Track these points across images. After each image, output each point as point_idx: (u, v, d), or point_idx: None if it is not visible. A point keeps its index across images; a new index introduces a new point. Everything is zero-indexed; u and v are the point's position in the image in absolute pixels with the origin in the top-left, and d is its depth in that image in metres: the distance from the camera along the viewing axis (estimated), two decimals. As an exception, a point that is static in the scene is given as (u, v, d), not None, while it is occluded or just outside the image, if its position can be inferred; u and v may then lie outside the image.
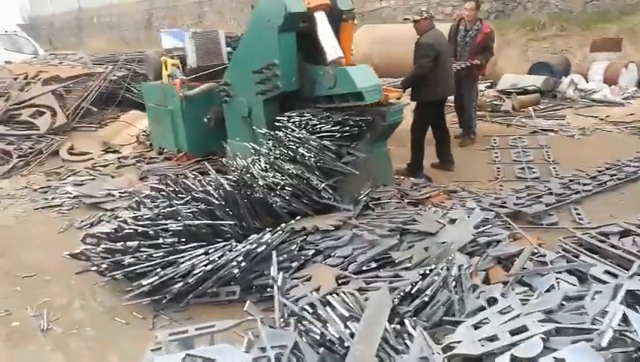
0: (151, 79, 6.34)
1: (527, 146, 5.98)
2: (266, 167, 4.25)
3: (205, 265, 3.16)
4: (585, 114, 7.64)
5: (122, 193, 5.23)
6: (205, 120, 5.71)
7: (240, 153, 5.22)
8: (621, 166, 4.90)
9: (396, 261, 3.14)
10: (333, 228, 3.62)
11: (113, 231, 3.65)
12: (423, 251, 3.21)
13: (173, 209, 3.64)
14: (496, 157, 5.70)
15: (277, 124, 4.58)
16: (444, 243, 3.25)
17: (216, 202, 3.65)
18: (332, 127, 4.31)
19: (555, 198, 4.18)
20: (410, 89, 5.26)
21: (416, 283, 2.70)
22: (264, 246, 3.24)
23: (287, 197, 3.95)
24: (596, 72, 9.49)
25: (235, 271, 3.07)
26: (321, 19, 4.38)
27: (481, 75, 6.75)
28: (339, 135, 4.29)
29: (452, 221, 3.53)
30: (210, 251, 3.29)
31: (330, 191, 4.04)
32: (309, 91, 4.55)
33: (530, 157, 5.58)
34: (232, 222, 3.58)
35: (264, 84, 4.66)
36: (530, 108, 7.68)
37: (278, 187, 3.97)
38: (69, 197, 5.38)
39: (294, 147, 4.17)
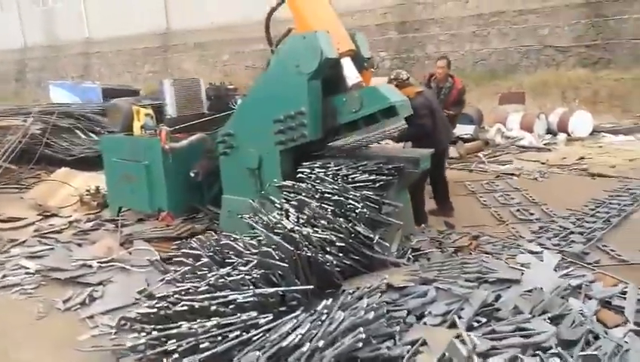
0: (116, 131, 5.59)
1: (504, 190, 6.27)
2: (302, 222, 3.87)
3: (304, 340, 2.68)
4: (525, 158, 8.32)
5: (102, 263, 4.41)
6: (192, 174, 5.13)
7: (237, 210, 4.80)
8: (606, 203, 5.32)
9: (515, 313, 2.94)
10: (410, 285, 3.34)
11: (157, 310, 2.99)
12: (523, 300, 3.07)
13: (229, 278, 3.09)
14: (485, 201, 5.86)
15: (301, 175, 4.25)
16: (533, 289, 3.15)
17: (284, 265, 3.18)
18: (366, 175, 4.09)
19: (583, 237, 4.34)
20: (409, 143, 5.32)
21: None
22: (364, 313, 2.85)
23: (340, 254, 3.60)
24: (513, 121, 10.49)
25: (359, 344, 2.63)
26: (348, 64, 4.26)
27: (453, 127, 7.02)
28: (373, 184, 4.09)
29: (525, 266, 3.47)
30: (299, 324, 2.82)
31: (385, 244, 3.78)
32: (330, 123, 4.29)
33: (516, 200, 5.83)
34: (310, 287, 3.13)
35: (284, 134, 4.33)
36: (481, 155, 8.17)
37: (328, 243, 3.61)
38: (27, 274, 4.40)
39: (336, 199, 3.86)
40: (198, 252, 3.47)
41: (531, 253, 3.75)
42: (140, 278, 4.16)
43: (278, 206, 4.13)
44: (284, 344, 2.65)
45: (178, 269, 3.57)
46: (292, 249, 3.34)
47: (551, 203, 5.60)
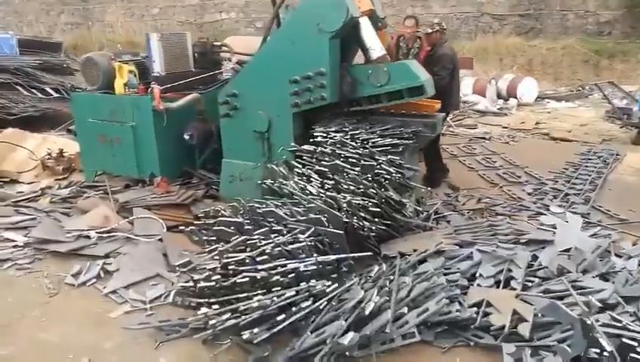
0: (92, 88, 5.03)
1: (483, 153, 6.51)
2: (327, 188, 3.77)
3: (383, 307, 2.65)
4: (486, 122, 8.67)
5: (101, 233, 4.06)
6: (186, 137, 4.79)
7: (240, 174, 4.60)
8: (582, 165, 5.71)
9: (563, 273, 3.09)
10: (456, 248, 3.39)
11: (215, 283, 2.80)
12: (565, 259, 3.24)
13: (289, 246, 2.96)
14: (470, 164, 6.06)
15: (318, 138, 4.11)
16: (572, 249, 3.33)
17: (340, 232, 3.09)
18: (389, 140, 4.04)
19: (580, 198, 4.64)
20: None
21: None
22: (435, 277, 2.87)
23: (375, 219, 3.57)
24: (466, 86, 10.82)
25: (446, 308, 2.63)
26: (366, 24, 4.11)
27: None
28: (394, 148, 4.05)
29: (553, 226, 3.64)
30: (369, 293, 2.77)
31: (417, 209, 3.79)
32: (350, 93, 4.17)
33: (498, 163, 6.08)
34: (369, 253, 3.08)
35: (299, 96, 4.14)
36: (448, 119, 8.36)
37: (362, 209, 3.56)
38: (16, 247, 3.95)
39: (365, 164, 3.78)
40: (239, 220, 3.26)
41: (554, 214, 3.93)
42: (151, 248, 3.88)
43: (299, 171, 3.99)
44: (365, 312, 2.60)
45: (211, 238, 3.37)
46: (341, 216, 3.26)
47: (531, 165, 5.89)
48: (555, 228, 3.66)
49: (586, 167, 5.70)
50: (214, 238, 3.38)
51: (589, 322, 2.24)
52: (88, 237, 4.02)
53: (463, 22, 16.55)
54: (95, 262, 3.72)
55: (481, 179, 5.58)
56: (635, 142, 7.09)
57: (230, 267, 2.90)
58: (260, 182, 4.11)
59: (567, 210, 4.24)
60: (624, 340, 2.15)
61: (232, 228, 3.23)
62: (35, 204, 4.74)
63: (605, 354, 2.11)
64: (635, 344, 2.12)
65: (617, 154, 6.18)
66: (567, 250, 3.35)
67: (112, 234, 4.07)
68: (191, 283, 2.94)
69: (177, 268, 3.08)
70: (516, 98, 10.37)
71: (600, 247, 3.27)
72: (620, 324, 2.34)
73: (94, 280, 3.50)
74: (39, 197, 4.91)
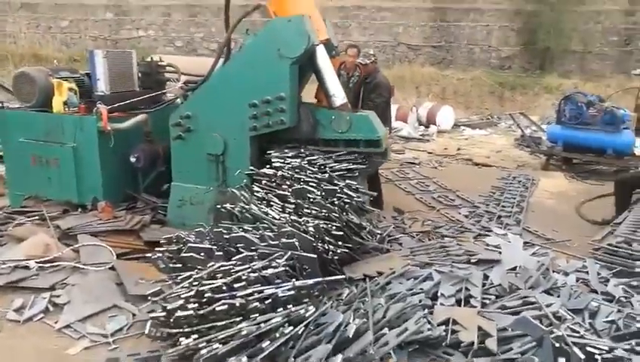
0: (25, 105, 4.67)
1: (416, 178, 6.88)
2: (288, 212, 3.82)
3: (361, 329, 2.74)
4: (411, 148, 9.17)
5: (42, 263, 3.76)
6: (133, 159, 4.61)
7: (191, 198, 4.52)
8: (506, 190, 6.24)
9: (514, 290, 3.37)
10: (418, 269, 3.57)
11: (193, 312, 2.73)
12: (513, 277, 3.54)
13: (264, 272, 2.96)
14: (405, 188, 6.38)
15: (275, 163, 4.16)
16: (518, 268, 3.65)
17: (313, 256, 3.14)
18: (341, 164, 4.19)
19: (512, 220, 5.07)
20: None
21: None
22: (407, 297, 3.00)
23: (339, 243, 3.67)
24: (389, 112, 11.37)
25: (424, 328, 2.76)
26: (322, 53, 4.26)
27: None
28: (350, 173, 4.21)
29: (498, 246, 3.97)
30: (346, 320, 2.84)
31: (375, 231, 3.94)
32: (310, 133, 4.27)
33: (431, 187, 6.46)
34: (343, 276, 3.15)
35: (258, 119, 4.17)
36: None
37: (326, 233, 3.65)
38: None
39: (327, 188, 3.88)
40: (209, 246, 3.20)
41: (497, 235, 4.27)
42: (103, 278, 3.66)
43: (259, 195, 4.00)
44: (346, 334, 2.66)
45: (176, 266, 3.27)
46: (312, 239, 3.31)
47: (461, 189, 6.33)
48: (500, 248, 3.98)
49: (510, 190, 6.24)
50: (180, 265, 3.28)
51: (560, 333, 2.48)
52: (27, 267, 3.71)
53: (381, 50, 17.42)
54: (40, 294, 3.44)
55: (419, 202, 5.90)
56: (544, 168, 7.88)
57: (206, 295, 2.84)
58: (217, 206, 4.05)
59: (506, 231, 4.62)
60: (588, 349, 2.41)
61: (202, 254, 3.16)
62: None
63: (575, 362, 2.35)
64: (597, 352, 2.39)
65: (533, 179, 6.83)
66: (514, 268, 3.67)
67: (55, 263, 3.78)
68: (162, 313, 2.83)
69: (149, 298, 2.94)
70: (435, 125, 11.08)
71: (543, 265, 3.62)
72: (578, 334, 2.62)
73: (42, 314, 3.24)
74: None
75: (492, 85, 15.40)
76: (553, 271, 3.71)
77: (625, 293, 3.32)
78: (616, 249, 3.86)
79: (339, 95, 4.25)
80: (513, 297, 3.30)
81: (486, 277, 3.61)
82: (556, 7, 15.38)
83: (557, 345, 2.48)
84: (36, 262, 3.75)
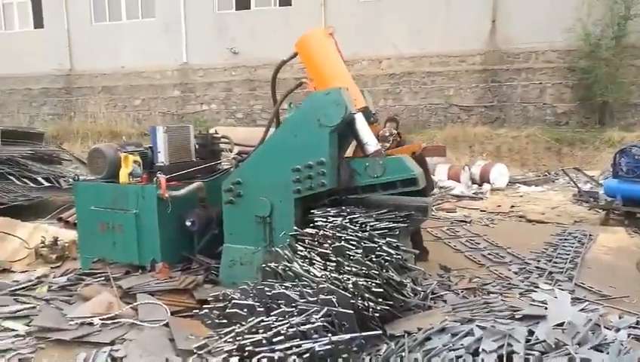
0: (96, 177, 5.23)
1: (466, 236, 6.83)
2: (330, 269, 3.96)
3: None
4: (464, 206, 9.11)
5: (105, 319, 4.08)
6: (188, 224, 4.98)
7: (241, 258, 4.76)
8: (559, 245, 6.07)
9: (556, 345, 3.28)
10: (458, 324, 3.57)
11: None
12: (560, 333, 3.44)
13: (301, 327, 3.09)
14: (455, 246, 6.35)
15: (317, 222, 4.36)
16: (565, 323, 3.54)
17: (350, 312, 3.25)
18: (385, 223, 4.33)
19: (564, 276, 4.93)
20: None
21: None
22: (442, 352, 3.02)
23: (379, 300, 3.74)
24: (440, 172, 11.45)
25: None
26: (361, 119, 4.55)
27: None
28: (390, 231, 4.33)
29: (544, 302, 3.88)
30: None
31: (416, 289, 3.99)
32: (348, 182, 4.49)
33: (481, 245, 6.39)
34: (380, 332, 3.22)
35: (301, 183, 4.45)
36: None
37: (366, 290, 3.74)
38: (17, 336, 3.93)
39: (367, 246, 4.02)
40: (251, 302, 3.39)
41: (543, 291, 4.18)
42: (158, 334, 3.91)
43: (302, 254, 4.18)
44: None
45: (222, 321, 3.46)
46: (349, 296, 3.43)
47: (512, 246, 6.22)
48: (546, 303, 3.89)
49: (564, 246, 6.06)
50: (225, 321, 3.48)
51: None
52: (91, 324, 4.04)
53: (433, 113, 17.71)
54: (101, 349, 3.72)
55: (468, 259, 5.85)
56: (603, 223, 7.58)
57: (247, 349, 2.99)
58: (263, 265, 4.27)
59: (554, 286, 4.50)
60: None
61: (245, 310, 3.35)
62: (34, 292, 4.73)
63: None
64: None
65: (590, 235, 6.59)
66: (561, 324, 3.56)
67: (116, 320, 4.09)
68: (207, 366, 3.01)
69: (195, 350, 3.14)
70: (489, 183, 10.98)
71: (591, 321, 3.50)
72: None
73: (103, 368, 3.50)
74: (36, 286, 4.91)
75: (548, 141, 15.13)
76: (605, 327, 3.57)
77: (681, 350, 3.14)
78: (673, 304, 3.67)
79: (372, 143, 4.48)
80: (559, 353, 3.21)
81: (531, 333, 3.52)
82: (612, 62, 15.18)
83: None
84: (100, 319, 4.08)
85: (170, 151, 5.19)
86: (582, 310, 3.80)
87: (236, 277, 4.70)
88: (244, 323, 3.18)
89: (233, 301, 3.43)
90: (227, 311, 3.40)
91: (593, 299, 4.39)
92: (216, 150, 5.76)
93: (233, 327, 3.15)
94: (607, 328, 3.57)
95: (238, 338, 3.08)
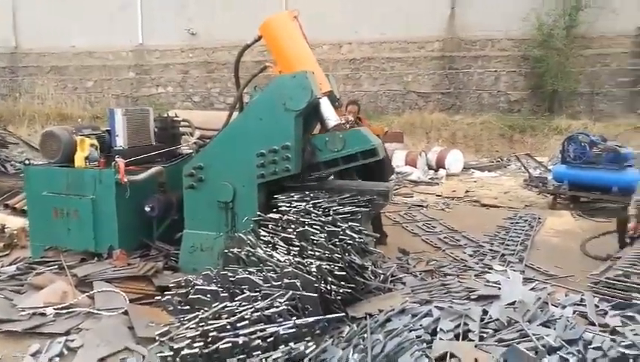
0: (50, 161, 5.04)
1: (423, 220, 7.02)
2: (293, 254, 4.00)
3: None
4: (420, 191, 9.33)
5: (58, 309, 3.97)
6: (147, 209, 4.88)
7: (202, 244, 4.73)
8: (511, 229, 6.34)
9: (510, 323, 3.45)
10: (418, 306, 3.69)
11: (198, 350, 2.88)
12: (512, 311, 3.62)
13: (266, 311, 3.12)
14: (412, 230, 6.52)
15: (281, 207, 4.38)
16: (517, 302, 3.73)
17: (314, 295, 3.30)
18: (350, 208, 4.39)
19: (515, 258, 5.16)
20: None
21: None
22: (403, 332, 3.12)
23: (342, 283, 3.81)
24: (398, 158, 11.64)
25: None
26: (326, 103, 4.57)
27: None
28: (351, 215, 4.40)
29: (497, 283, 4.06)
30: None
31: (377, 271, 4.09)
32: (310, 159, 4.51)
33: (438, 228, 6.59)
34: (342, 314, 3.29)
35: (265, 167, 4.44)
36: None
37: (329, 273, 3.80)
38: (-33, 328, 3.77)
39: (331, 230, 4.07)
40: (214, 288, 3.38)
41: (497, 272, 4.37)
42: (116, 322, 3.85)
43: (266, 239, 4.20)
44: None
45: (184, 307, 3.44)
46: (313, 280, 3.48)
47: (467, 230, 6.44)
48: (499, 284, 4.07)
49: (515, 230, 6.34)
50: (188, 307, 3.46)
51: (545, 360, 2.58)
52: (44, 314, 3.92)
53: (391, 99, 17.92)
54: (55, 339, 3.63)
55: (425, 243, 6.03)
56: (551, 207, 7.95)
57: (211, 334, 3.00)
58: (225, 251, 4.25)
59: (506, 268, 4.71)
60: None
61: (208, 295, 3.34)
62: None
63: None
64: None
65: (539, 218, 6.91)
66: (513, 303, 3.75)
67: (71, 309, 3.99)
68: (170, 353, 2.99)
69: (157, 337, 3.11)
70: (445, 168, 11.26)
71: (540, 299, 3.70)
72: (568, 363, 2.70)
73: (57, 358, 3.41)
74: (-14, 274, 4.71)
75: (502, 128, 15.62)
76: (552, 305, 3.78)
77: (621, 324, 3.37)
78: (614, 282, 3.92)
79: (332, 118, 4.51)
80: (511, 330, 3.38)
81: (485, 312, 3.69)
82: (563, 52, 15.74)
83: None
84: (54, 309, 3.97)
85: (128, 135, 5.06)
86: (532, 289, 4.00)
87: (197, 263, 4.66)
88: (207, 308, 3.17)
89: (196, 287, 3.41)
90: (190, 297, 3.38)
91: (542, 278, 4.64)
92: (177, 134, 5.64)
93: (197, 313, 3.13)
94: (555, 305, 3.78)
95: (201, 324, 3.06)
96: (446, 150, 11.81)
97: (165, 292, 3.64)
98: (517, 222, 6.71)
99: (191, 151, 5.34)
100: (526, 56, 16.76)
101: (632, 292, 3.79)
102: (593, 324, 3.50)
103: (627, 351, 2.75)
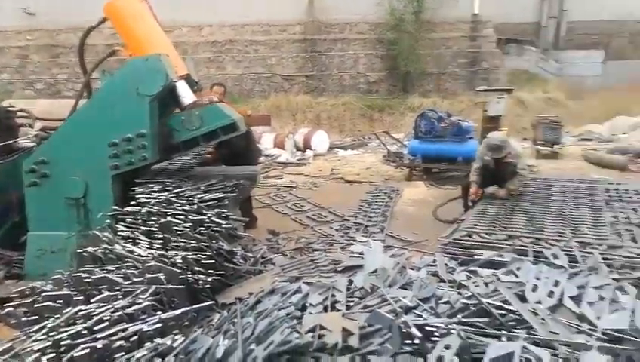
0: None
1: (292, 200, 7.15)
2: (156, 246, 3.83)
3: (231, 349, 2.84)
4: (289, 172, 9.49)
5: None
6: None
7: (51, 246, 4.33)
8: (373, 202, 6.74)
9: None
10: (287, 284, 3.75)
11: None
12: (374, 278, 3.86)
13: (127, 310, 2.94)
14: (283, 211, 6.62)
15: (140, 199, 4.15)
16: (378, 270, 3.99)
17: (180, 287, 3.18)
18: (215, 194, 4.30)
19: (377, 228, 5.49)
20: None
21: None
22: (273, 311, 3.16)
23: (210, 271, 3.75)
24: (266, 141, 11.70)
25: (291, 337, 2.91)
26: (183, 85, 4.38)
27: None
28: (220, 202, 4.33)
29: (361, 253, 4.30)
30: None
31: (247, 255, 4.07)
32: (166, 143, 4.31)
33: (306, 207, 6.77)
34: (211, 302, 3.21)
35: (119, 158, 4.14)
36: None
37: (196, 263, 3.71)
38: None
39: (195, 218, 3.95)
40: (66, 292, 3.09)
41: (360, 243, 4.61)
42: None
43: (124, 235, 3.95)
44: (216, 357, 2.75)
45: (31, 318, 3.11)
46: (178, 271, 3.36)
47: (333, 206, 6.71)
48: (363, 254, 4.31)
49: (376, 202, 6.75)
50: (35, 318, 3.13)
51: (402, 319, 2.79)
52: None
53: (256, 82, 17.86)
54: None
55: (295, 222, 6.16)
56: (407, 179, 8.60)
57: (63, 343, 2.75)
58: (79, 251, 3.91)
59: (369, 238, 5.00)
60: (427, 328, 2.75)
61: (59, 301, 3.05)
62: None
63: (417, 341, 2.67)
64: (434, 329, 2.75)
65: (397, 190, 7.44)
66: (375, 271, 4.00)
67: None
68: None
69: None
70: (311, 149, 11.56)
71: (399, 264, 3.99)
72: (422, 319, 2.96)
73: None
74: None
75: (362, 108, 16.46)
76: (409, 269, 4.10)
77: (466, 278, 3.78)
78: (459, 242, 4.38)
79: (187, 95, 4.33)
80: (374, 296, 3.60)
81: (351, 282, 3.89)
82: (413, 35, 16.96)
83: (403, 330, 2.79)
84: None
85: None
86: (392, 256, 4.30)
87: (46, 267, 4.20)
88: (58, 316, 2.89)
89: (44, 293, 3.09)
90: (37, 306, 3.06)
91: (400, 245, 5.02)
92: (13, 126, 5.00)
93: (45, 323, 2.84)
94: (412, 269, 4.11)
95: (51, 334, 2.79)
96: (312, 131, 12.10)
97: (5, 305, 3.25)
98: (378, 195, 7.16)
99: (32, 144, 4.79)
100: (381, 39, 17.79)
101: (474, 249, 4.26)
102: (443, 281, 3.88)
103: (469, 302, 3.07)
